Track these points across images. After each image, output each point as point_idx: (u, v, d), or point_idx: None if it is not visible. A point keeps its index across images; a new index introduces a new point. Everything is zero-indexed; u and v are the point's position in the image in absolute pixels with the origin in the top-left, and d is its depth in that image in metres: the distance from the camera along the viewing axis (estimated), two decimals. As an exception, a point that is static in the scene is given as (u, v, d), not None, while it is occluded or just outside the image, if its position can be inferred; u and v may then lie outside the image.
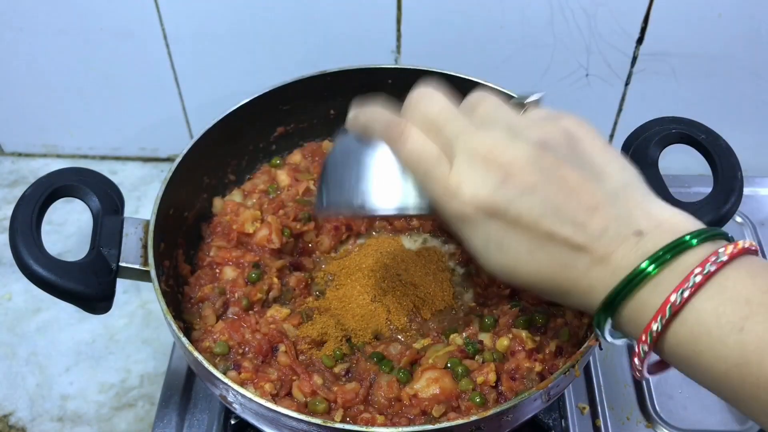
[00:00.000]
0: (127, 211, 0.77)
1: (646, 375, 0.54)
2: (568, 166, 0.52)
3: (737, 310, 0.46)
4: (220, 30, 1.02)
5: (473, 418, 0.60)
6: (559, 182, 0.52)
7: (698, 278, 0.47)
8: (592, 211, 0.51)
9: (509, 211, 0.52)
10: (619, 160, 0.56)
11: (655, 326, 0.49)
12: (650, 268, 0.49)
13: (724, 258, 0.47)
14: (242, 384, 0.69)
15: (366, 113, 0.62)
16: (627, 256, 0.50)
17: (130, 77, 1.09)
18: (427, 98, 0.60)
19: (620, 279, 0.50)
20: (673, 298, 0.47)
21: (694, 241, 0.49)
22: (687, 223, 0.51)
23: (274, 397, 0.70)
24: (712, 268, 0.47)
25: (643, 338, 0.50)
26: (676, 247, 0.49)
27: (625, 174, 0.55)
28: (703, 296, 0.47)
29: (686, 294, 0.47)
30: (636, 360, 0.52)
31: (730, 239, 0.50)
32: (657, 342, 0.50)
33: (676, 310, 0.47)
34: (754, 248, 0.50)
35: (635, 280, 0.49)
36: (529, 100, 0.62)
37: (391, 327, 0.78)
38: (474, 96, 0.60)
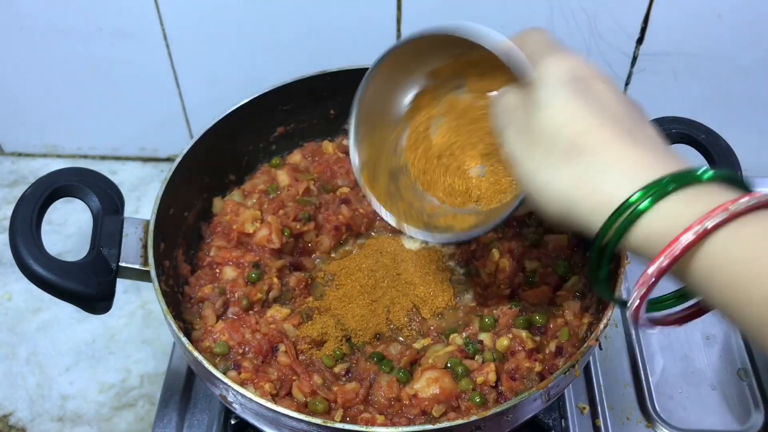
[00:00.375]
0: (127, 211, 0.77)
1: (643, 319, 0.51)
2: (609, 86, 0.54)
3: None
4: (220, 30, 1.02)
5: (473, 418, 0.60)
6: (612, 93, 0.53)
7: (716, 219, 0.44)
8: (635, 123, 0.52)
9: (591, 81, 0.53)
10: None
11: (667, 253, 0.45)
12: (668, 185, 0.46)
13: (749, 203, 0.44)
14: (242, 384, 0.69)
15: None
16: (646, 178, 0.48)
17: (130, 77, 1.09)
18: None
19: (637, 189, 0.47)
20: (684, 237, 0.44)
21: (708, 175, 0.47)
22: (711, 171, 0.48)
23: (274, 397, 0.70)
24: (735, 209, 0.44)
25: (647, 274, 0.47)
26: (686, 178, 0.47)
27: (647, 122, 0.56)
28: (730, 241, 0.44)
29: (708, 226, 0.44)
30: (640, 284, 0.48)
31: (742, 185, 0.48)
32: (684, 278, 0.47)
33: (687, 247, 0.45)
34: None
35: (656, 192, 0.47)
36: None
37: (391, 327, 0.79)
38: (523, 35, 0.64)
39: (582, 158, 0.50)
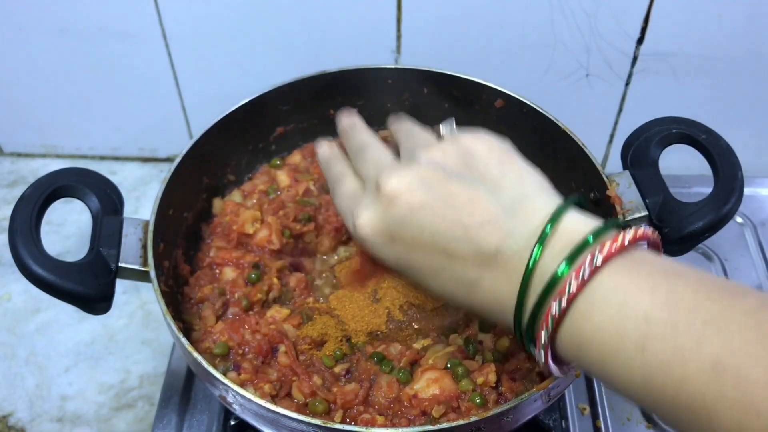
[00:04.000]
0: (127, 212, 0.77)
1: (555, 370, 0.53)
2: (457, 182, 0.52)
3: (638, 329, 0.44)
4: (220, 30, 1.02)
5: (473, 418, 0.60)
6: (448, 198, 0.52)
7: (573, 287, 0.46)
8: (485, 225, 0.51)
9: (404, 233, 0.53)
10: (517, 172, 0.55)
11: (543, 335, 0.49)
12: (559, 270, 0.47)
13: (605, 253, 0.46)
14: (242, 385, 0.69)
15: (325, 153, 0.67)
16: (521, 269, 0.49)
17: (129, 77, 1.09)
18: (353, 133, 0.65)
19: (517, 293, 0.49)
20: (553, 308, 0.47)
21: (590, 239, 0.47)
22: (587, 228, 0.49)
23: (274, 398, 0.70)
24: (597, 263, 0.46)
25: (541, 339, 0.49)
26: (575, 252, 0.47)
27: (524, 185, 0.54)
28: (596, 308, 0.46)
29: (563, 304, 0.47)
30: (541, 357, 0.51)
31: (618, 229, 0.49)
32: (568, 357, 0.50)
33: (558, 320, 0.47)
34: (650, 236, 0.49)
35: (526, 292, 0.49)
36: (440, 126, 0.65)
37: (391, 327, 0.78)
38: (393, 127, 0.66)
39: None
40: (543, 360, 0.51)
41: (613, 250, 0.46)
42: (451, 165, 0.54)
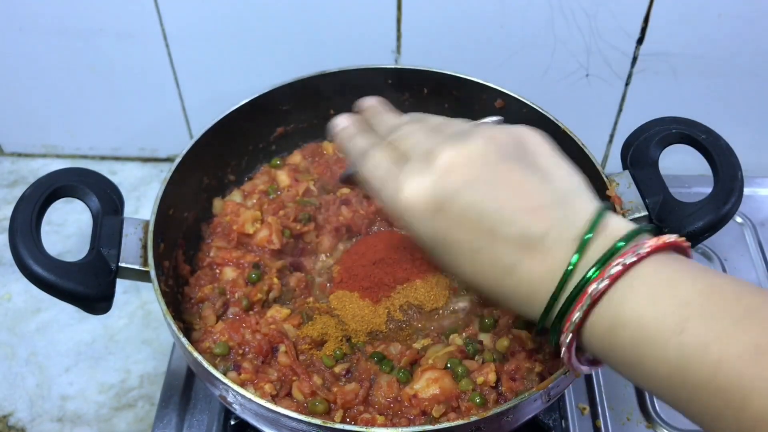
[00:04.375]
0: (127, 212, 0.77)
1: (578, 367, 0.54)
2: (513, 164, 0.53)
3: (677, 312, 0.45)
4: (220, 30, 1.02)
5: (473, 418, 0.60)
6: (503, 178, 0.52)
7: (617, 268, 0.47)
8: (536, 211, 0.51)
9: (452, 206, 0.52)
10: (566, 167, 0.56)
11: (576, 316, 0.49)
12: (590, 273, 0.48)
13: (645, 250, 0.47)
14: (242, 385, 0.69)
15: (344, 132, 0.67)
16: (565, 260, 0.50)
17: (129, 77, 1.09)
18: (380, 113, 0.65)
19: (557, 284, 0.50)
20: (592, 288, 0.48)
21: (622, 243, 0.49)
22: (628, 227, 0.51)
23: (274, 398, 0.70)
24: (631, 260, 0.47)
25: (567, 326, 0.50)
26: (611, 252, 0.48)
27: (572, 180, 0.55)
28: (634, 293, 0.47)
29: (604, 283, 0.47)
30: (564, 351, 0.52)
31: (655, 233, 0.51)
32: (595, 345, 0.50)
33: (596, 299, 0.48)
34: (682, 244, 0.50)
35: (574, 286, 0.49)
36: (484, 120, 0.64)
37: (391, 327, 0.78)
38: (418, 114, 0.65)
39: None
40: (567, 346, 0.51)
41: (653, 246, 0.48)
42: (505, 146, 0.54)
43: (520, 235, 0.51)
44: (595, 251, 0.49)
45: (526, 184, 0.52)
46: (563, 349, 0.52)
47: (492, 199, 0.51)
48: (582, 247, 0.49)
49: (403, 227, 0.57)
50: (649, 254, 0.48)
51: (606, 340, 0.49)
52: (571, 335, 0.50)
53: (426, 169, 0.53)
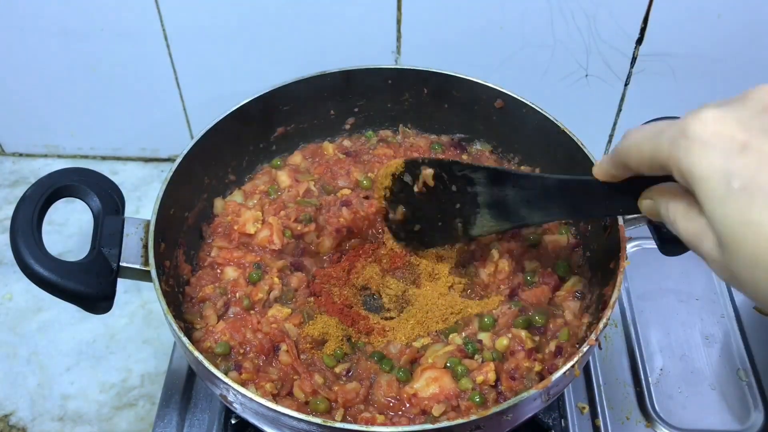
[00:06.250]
0: (128, 212, 0.77)
1: None
2: None
3: None
4: (220, 30, 1.02)
5: (473, 417, 0.60)
6: None
7: None
8: None
9: (765, 143, 0.42)
10: None
11: None
12: None
13: None
14: (243, 384, 0.69)
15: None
16: None
17: (130, 77, 1.09)
18: None
19: None
20: None
21: None
22: None
23: (275, 397, 0.70)
24: None
25: None
26: None
27: None
28: None
29: None
30: None
31: None
32: None
33: None
34: None
35: None
36: None
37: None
38: None
39: None
40: None
41: None
42: None
43: None
44: None
45: None
46: None
47: None
48: None
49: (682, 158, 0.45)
50: None
51: None
52: None
53: (735, 103, 0.45)
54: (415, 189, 0.78)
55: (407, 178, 0.78)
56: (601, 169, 0.56)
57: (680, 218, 0.48)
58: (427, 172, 0.76)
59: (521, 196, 0.69)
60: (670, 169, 0.46)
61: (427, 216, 0.80)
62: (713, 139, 0.43)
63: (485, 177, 0.72)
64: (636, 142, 0.50)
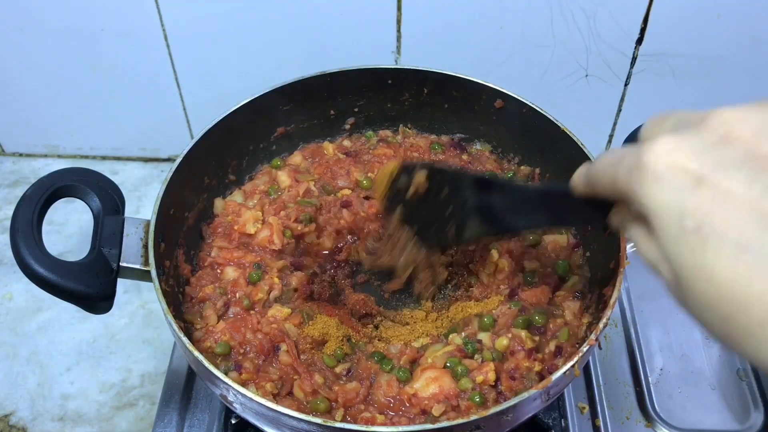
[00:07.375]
0: (128, 212, 0.77)
1: None
2: None
3: None
4: (220, 30, 1.02)
5: (473, 417, 0.60)
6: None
7: None
8: None
9: (721, 182, 0.39)
10: None
11: None
12: None
13: None
14: (243, 384, 0.69)
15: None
16: None
17: (130, 77, 1.09)
18: None
19: None
20: None
21: None
22: None
23: (275, 397, 0.71)
24: None
25: None
26: None
27: None
28: None
29: None
30: None
31: None
32: None
33: None
34: None
35: None
36: None
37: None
38: None
39: None
40: None
41: None
42: None
43: None
44: None
45: None
46: None
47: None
48: None
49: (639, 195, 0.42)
50: None
51: None
52: None
53: (692, 133, 0.41)
54: (409, 192, 0.78)
55: (402, 182, 0.78)
56: (575, 184, 0.56)
57: (641, 242, 0.47)
58: (420, 176, 0.76)
59: (506, 203, 0.69)
60: (629, 199, 0.45)
61: (423, 218, 0.80)
62: (667, 172, 0.41)
63: (471, 184, 0.72)
64: (601, 168, 0.49)
